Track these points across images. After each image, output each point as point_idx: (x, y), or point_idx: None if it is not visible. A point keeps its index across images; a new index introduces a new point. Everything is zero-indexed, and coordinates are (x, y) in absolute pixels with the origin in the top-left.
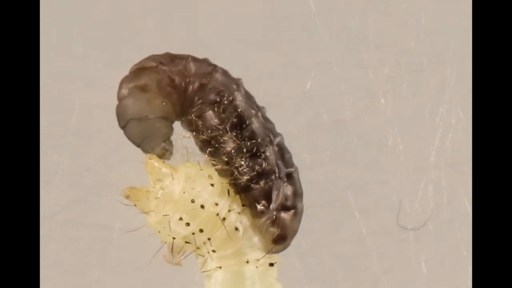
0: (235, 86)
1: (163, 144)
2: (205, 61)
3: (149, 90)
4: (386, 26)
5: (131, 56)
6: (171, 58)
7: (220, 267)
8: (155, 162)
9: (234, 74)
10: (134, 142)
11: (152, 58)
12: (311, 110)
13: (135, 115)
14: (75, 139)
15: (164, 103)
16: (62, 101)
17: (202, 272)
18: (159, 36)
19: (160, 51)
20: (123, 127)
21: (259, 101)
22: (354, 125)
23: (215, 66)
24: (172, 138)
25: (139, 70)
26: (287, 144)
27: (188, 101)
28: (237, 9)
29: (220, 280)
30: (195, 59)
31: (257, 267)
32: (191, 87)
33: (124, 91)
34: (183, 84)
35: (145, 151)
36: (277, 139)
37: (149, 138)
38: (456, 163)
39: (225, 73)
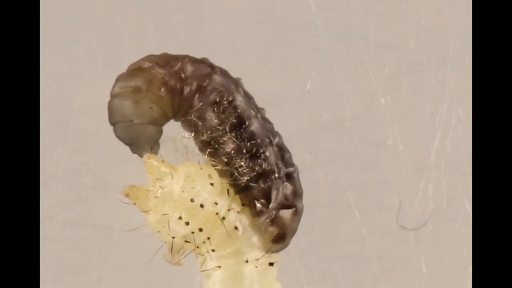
0: (234, 87)
1: (149, 149)
2: (203, 62)
3: (140, 93)
4: (386, 26)
5: (131, 56)
6: (168, 59)
7: (219, 267)
8: (154, 161)
9: (234, 74)
10: (123, 142)
11: (148, 58)
12: (311, 110)
13: (121, 118)
14: (75, 139)
15: (151, 109)
16: (62, 101)
17: (201, 271)
18: (159, 36)
19: (160, 51)
20: (112, 125)
21: (259, 101)
22: (354, 125)
23: (213, 68)
24: (173, 137)
25: (134, 71)
26: (287, 144)
27: (186, 102)
28: (237, 9)
29: (219, 279)
30: (193, 60)
31: (256, 266)
32: (188, 88)
33: (116, 90)
34: (178, 86)
35: (133, 152)
36: (276, 139)
37: (136, 143)
38: (456, 163)
39: (224, 73)
